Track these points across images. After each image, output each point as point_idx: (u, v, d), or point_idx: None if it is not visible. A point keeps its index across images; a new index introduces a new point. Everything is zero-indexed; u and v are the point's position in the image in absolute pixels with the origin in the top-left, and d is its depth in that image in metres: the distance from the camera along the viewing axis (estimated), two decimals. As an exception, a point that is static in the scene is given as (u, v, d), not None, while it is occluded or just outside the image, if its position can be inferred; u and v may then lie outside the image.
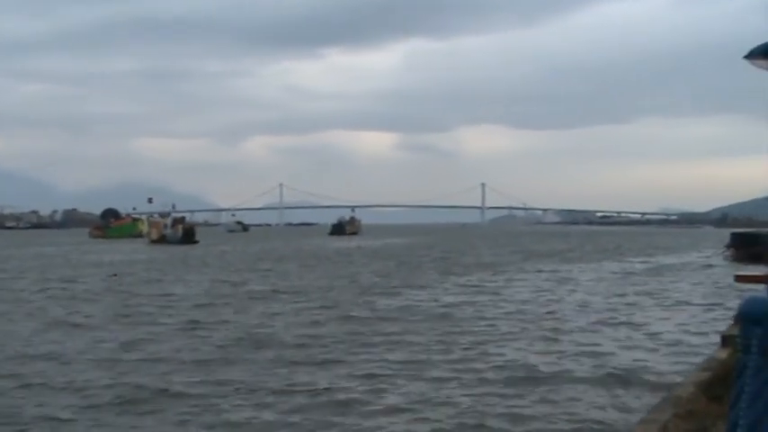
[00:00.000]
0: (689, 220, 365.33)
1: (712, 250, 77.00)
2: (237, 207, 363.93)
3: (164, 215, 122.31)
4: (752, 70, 10.91)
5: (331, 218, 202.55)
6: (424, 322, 25.54)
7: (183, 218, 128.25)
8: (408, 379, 16.60)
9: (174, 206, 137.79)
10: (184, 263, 62.67)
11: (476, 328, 24.11)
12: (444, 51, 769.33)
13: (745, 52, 10.91)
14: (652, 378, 16.70)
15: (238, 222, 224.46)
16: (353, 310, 29.07)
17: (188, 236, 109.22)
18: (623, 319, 26.92)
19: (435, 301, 32.41)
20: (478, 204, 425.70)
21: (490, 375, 17.06)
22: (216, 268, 55.80)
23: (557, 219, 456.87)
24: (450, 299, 33.35)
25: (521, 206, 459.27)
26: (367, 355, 19.47)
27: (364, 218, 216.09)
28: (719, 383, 8.30)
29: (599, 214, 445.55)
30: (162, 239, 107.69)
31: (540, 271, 51.69)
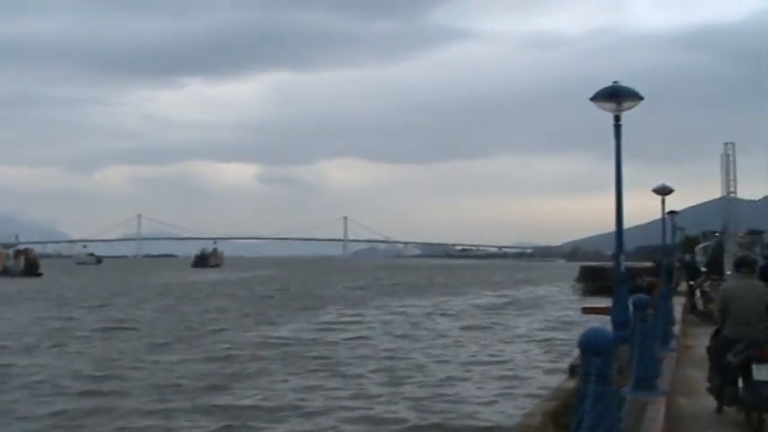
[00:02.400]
0: (543, 254, 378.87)
1: (563, 283, 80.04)
2: (91, 238, 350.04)
3: (7, 246, 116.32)
4: (597, 111, 11.54)
5: (192, 249, 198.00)
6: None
7: (26, 250, 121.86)
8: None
9: (17, 237, 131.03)
10: (18, 297, 59.80)
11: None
12: (308, 84, 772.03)
13: (591, 94, 11.51)
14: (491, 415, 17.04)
15: (90, 254, 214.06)
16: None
17: (30, 268, 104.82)
18: (468, 351, 27.49)
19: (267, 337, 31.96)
20: (341, 237, 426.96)
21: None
22: (42, 302, 53.50)
23: (417, 252, 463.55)
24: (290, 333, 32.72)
25: (382, 239, 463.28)
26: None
27: (227, 250, 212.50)
28: (567, 412, 8.55)
29: (458, 247, 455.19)
30: (4, 272, 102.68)
31: (388, 306, 52.14)
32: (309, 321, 39.19)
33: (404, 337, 32.55)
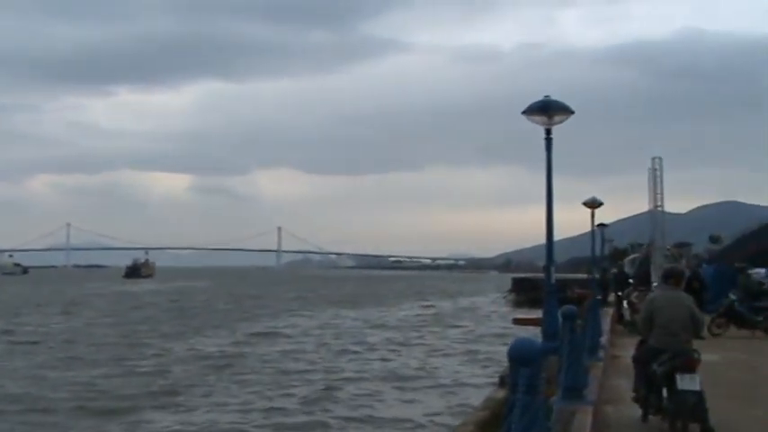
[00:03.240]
0: (476, 265, 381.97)
1: (496, 294, 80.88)
2: (17, 248, 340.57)
3: None
4: (528, 124, 11.70)
5: (123, 260, 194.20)
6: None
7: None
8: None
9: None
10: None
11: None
12: (241, 94, 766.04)
13: (522, 107, 11.66)
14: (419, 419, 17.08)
15: (17, 264, 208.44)
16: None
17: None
18: (399, 363, 27.58)
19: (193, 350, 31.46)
20: (275, 248, 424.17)
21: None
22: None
23: (351, 263, 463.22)
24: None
25: (316, 250, 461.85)
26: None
27: (159, 260, 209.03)
28: (497, 422, 8.62)
29: (392, 259, 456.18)
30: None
31: (319, 317, 51.96)
32: (237, 333, 38.80)
33: (334, 349, 32.47)
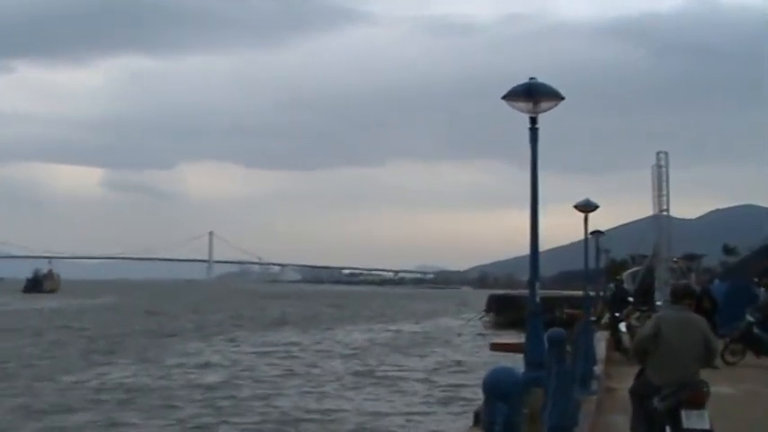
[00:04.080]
0: (447, 280, 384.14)
1: (471, 314, 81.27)
2: None
3: None
4: (510, 112, 11.75)
5: (23, 270, 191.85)
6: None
7: None
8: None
9: None
10: None
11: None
12: (167, 72, 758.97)
13: (504, 91, 11.70)
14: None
15: None
16: None
17: None
18: (354, 401, 27.64)
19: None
20: (205, 257, 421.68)
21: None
22: None
23: (297, 276, 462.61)
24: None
25: (255, 260, 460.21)
26: None
27: (64, 271, 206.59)
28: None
29: (347, 272, 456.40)
30: None
31: (254, 342, 51.82)
32: (152, 362, 38.54)
33: (274, 382, 32.42)
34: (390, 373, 35.29)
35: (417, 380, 33.42)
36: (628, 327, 25.76)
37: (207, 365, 37.72)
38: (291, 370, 36.48)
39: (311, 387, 31.02)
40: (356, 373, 35.07)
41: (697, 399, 8.79)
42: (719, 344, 21.55)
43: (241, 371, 35.75)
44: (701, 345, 9.17)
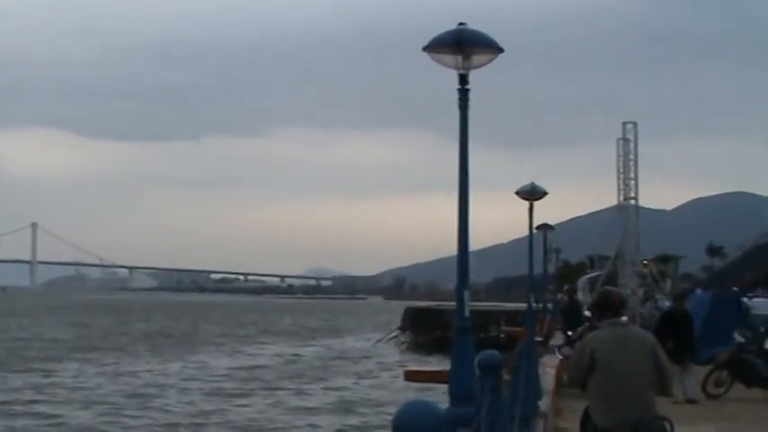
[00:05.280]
0: (349, 288, 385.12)
1: (380, 333, 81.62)
2: None
3: None
4: (437, 69, 11.83)
5: None
6: None
7: None
8: None
9: None
10: None
11: None
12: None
13: (426, 40, 11.78)
14: None
15: None
16: None
17: None
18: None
19: None
20: (27, 257, 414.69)
21: None
22: None
23: (151, 283, 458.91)
24: None
25: (96, 262, 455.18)
26: None
27: None
28: None
29: (216, 276, 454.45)
30: None
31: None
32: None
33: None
34: (282, 414, 35.32)
35: (313, 418, 33.58)
36: (564, 354, 25.91)
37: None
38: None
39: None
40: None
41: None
42: (701, 372, 22.16)
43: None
44: (652, 368, 9.37)
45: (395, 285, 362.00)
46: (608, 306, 9.86)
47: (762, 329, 25.87)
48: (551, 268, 52.89)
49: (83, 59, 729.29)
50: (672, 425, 9.18)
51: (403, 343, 73.02)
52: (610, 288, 11.55)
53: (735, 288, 37.37)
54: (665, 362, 9.63)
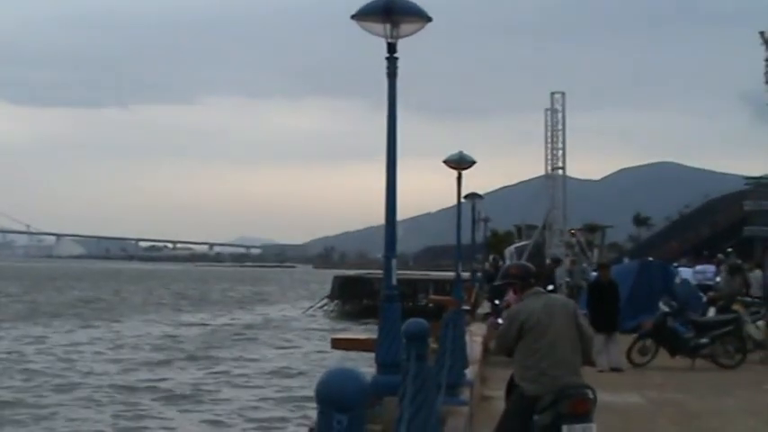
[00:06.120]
0: (279, 256, 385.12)
1: (309, 302, 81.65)
2: None
3: None
4: (366, 38, 11.82)
5: None
6: None
7: None
8: None
9: None
10: None
11: None
12: None
13: (356, 9, 11.76)
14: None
15: None
16: None
17: None
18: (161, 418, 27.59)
19: None
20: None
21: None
22: None
23: (79, 250, 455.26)
24: None
25: (22, 229, 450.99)
26: None
27: None
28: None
29: (144, 244, 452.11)
30: None
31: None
32: None
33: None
34: (196, 382, 35.19)
35: (240, 383, 33.57)
36: (491, 324, 26.05)
37: None
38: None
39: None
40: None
41: (580, 407, 9.07)
42: (626, 340, 22.41)
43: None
44: (575, 334, 9.43)
45: (324, 254, 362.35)
46: (531, 276, 9.93)
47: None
48: (480, 237, 53.15)
49: (17, 25, 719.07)
50: (594, 392, 9.25)
51: (332, 311, 73.09)
52: (520, 263, 11.71)
53: (662, 257, 37.86)
54: (588, 329, 9.73)
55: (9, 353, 42.57)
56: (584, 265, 41.03)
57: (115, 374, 36.44)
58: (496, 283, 10.44)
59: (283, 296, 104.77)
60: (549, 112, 59.71)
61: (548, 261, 46.74)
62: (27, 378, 34.96)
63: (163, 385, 33.60)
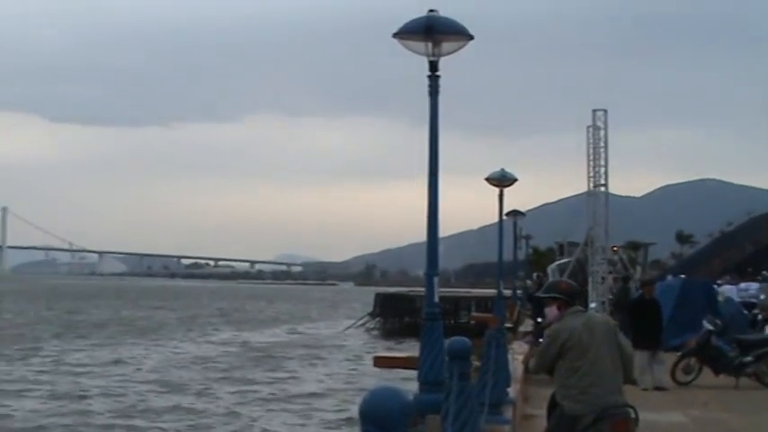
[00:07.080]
0: (320, 274, 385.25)
1: (350, 320, 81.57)
2: None
3: None
4: (406, 55, 11.81)
5: None
6: None
7: None
8: None
9: None
10: None
11: None
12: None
13: (397, 27, 11.77)
14: None
15: None
16: None
17: None
18: None
19: None
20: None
21: None
22: None
23: (121, 268, 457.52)
24: None
25: (66, 247, 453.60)
26: None
27: None
28: None
29: (187, 262, 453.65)
30: None
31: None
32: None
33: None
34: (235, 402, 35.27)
35: (277, 408, 33.63)
36: (529, 342, 25.97)
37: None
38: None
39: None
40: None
41: (622, 427, 9.01)
42: (670, 358, 22.27)
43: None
44: (617, 352, 9.44)
45: (366, 271, 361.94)
46: (577, 295, 9.92)
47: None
48: (521, 255, 53.04)
49: (54, 44, 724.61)
50: (636, 412, 9.20)
51: (373, 329, 73.01)
52: (559, 280, 11.64)
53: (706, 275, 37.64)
54: (627, 345, 9.70)
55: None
56: (631, 283, 40.73)
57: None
58: (539, 294, 10.34)
59: (325, 314, 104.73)
60: (591, 130, 59.40)
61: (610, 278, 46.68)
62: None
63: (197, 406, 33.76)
